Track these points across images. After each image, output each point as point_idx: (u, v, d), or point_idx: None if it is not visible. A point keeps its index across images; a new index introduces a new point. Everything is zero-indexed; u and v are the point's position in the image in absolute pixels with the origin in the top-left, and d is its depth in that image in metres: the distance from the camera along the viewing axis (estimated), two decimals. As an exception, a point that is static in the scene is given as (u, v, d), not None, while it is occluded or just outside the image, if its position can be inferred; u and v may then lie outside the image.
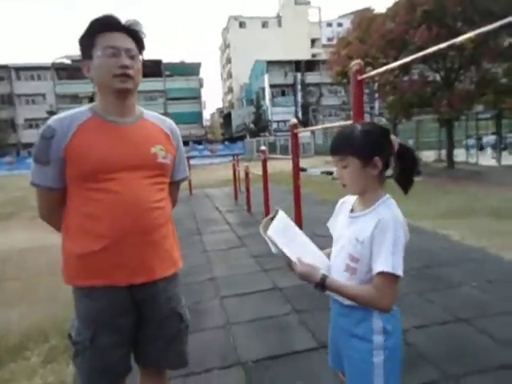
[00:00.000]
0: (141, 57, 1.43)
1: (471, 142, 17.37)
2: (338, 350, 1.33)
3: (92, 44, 1.34)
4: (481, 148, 17.44)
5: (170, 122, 1.58)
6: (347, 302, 1.22)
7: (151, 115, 1.53)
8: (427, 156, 18.43)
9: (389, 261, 1.09)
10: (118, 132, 1.38)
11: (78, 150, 1.31)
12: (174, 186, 1.63)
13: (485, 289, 3.17)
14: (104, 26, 1.35)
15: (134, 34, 1.39)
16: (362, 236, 1.16)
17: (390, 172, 1.21)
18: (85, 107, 1.42)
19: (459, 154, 15.52)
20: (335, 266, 1.26)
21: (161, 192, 1.45)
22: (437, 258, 4.02)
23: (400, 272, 1.09)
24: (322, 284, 1.16)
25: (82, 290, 1.37)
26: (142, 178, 1.38)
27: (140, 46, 1.42)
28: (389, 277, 1.10)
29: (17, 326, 3.10)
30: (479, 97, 13.49)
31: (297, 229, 1.31)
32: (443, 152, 16.36)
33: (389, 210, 1.16)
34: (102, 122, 1.37)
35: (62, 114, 1.38)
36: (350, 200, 1.32)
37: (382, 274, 1.10)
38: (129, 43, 1.37)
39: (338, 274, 1.22)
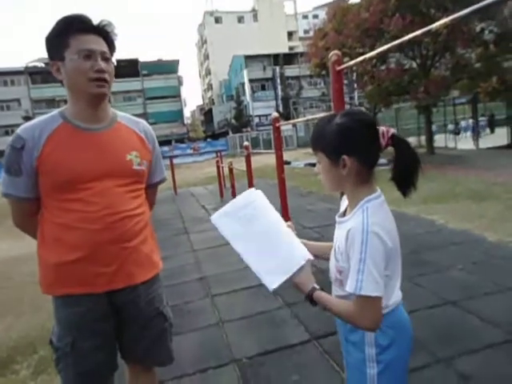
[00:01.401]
0: (113, 59, 1.40)
1: (452, 126, 17.73)
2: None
3: (64, 45, 1.28)
4: (457, 132, 17.81)
5: (143, 123, 1.55)
6: None
7: (125, 118, 1.50)
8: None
9: (353, 280, 0.97)
10: (90, 139, 1.35)
11: (51, 161, 1.28)
12: (151, 188, 1.62)
13: (470, 270, 3.24)
14: (78, 26, 1.29)
15: (106, 35, 1.35)
16: (341, 246, 1.05)
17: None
18: (55, 112, 1.37)
19: (438, 140, 15.80)
20: (330, 271, 1.16)
21: (137, 199, 1.43)
22: (423, 243, 4.09)
23: (368, 292, 0.95)
24: (311, 297, 1.08)
25: (60, 298, 1.37)
26: (117, 186, 1.36)
27: (112, 48, 1.39)
28: (359, 298, 0.97)
29: (3, 338, 3.03)
30: (455, 82, 13.75)
31: (271, 214, 1.18)
32: (423, 138, 16.62)
33: (361, 217, 1.00)
34: (73, 130, 1.33)
35: (31, 122, 1.34)
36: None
37: (353, 294, 0.99)
38: (103, 46, 1.33)
39: (333, 283, 1.15)
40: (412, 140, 18.74)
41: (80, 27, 1.30)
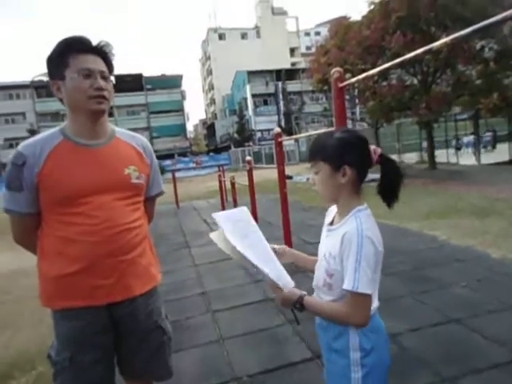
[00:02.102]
0: (112, 77, 1.44)
1: (453, 142, 17.81)
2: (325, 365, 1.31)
3: (64, 64, 1.33)
4: (459, 148, 17.86)
5: (141, 138, 1.59)
6: None
7: (123, 133, 1.53)
8: (409, 158, 18.76)
9: (351, 279, 1.06)
10: (90, 155, 1.38)
11: (51, 177, 1.31)
12: (150, 201, 1.64)
13: (474, 288, 3.21)
14: (77, 47, 1.35)
15: (104, 55, 1.41)
16: (334, 251, 1.13)
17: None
18: (56, 130, 1.41)
19: (440, 155, 15.84)
20: (316, 279, 1.24)
21: (135, 212, 1.46)
22: (426, 259, 4.06)
23: (364, 289, 1.05)
24: (301, 304, 1.15)
25: (59, 312, 1.38)
26: (116, 200, 1.38)
27: (110, 67, 1.43)
28: (355, 295, 1.06)
29: (2, 354, 3.00)
30: (456, 98, 13.85)
31: (255, 229, 1.27)
32: (425, 153, 16.68)
33: (355, 223, 1.10)
34: (73, 146, 1.37)
35: (31, 140, 1.37)
36: (334, 209, 1.28)
37: (348, 291, 1.07)
38: (101, 65, 1.38)
39: (319, 289, 1.22)
40: (413, 155, 18.82)
41: (79, 48, 1.35)
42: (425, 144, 17.69)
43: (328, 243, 1.19)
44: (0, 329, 3.54)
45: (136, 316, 1.44)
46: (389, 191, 1.16)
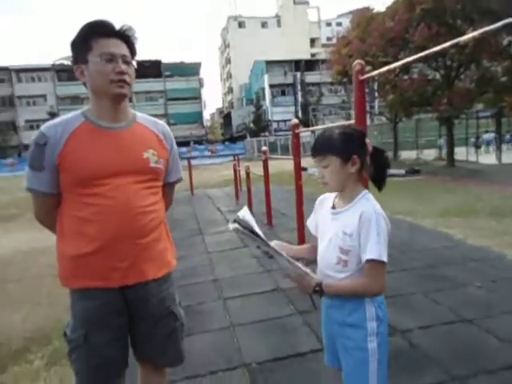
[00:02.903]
0: (134, 62, 1.44)
1: (472, 140, 17.38)
2: (332, 346, 1.38)
3: (87, 48, 1.34)
4: (479, 146, 17.41)
5: (162, 124, 1.59)
6: None
7: (144, 118, 1.54)
8: (427, 154, 18.43)
9: (375, 249, 1.18)
10: (110, 138, 1.40)
11: (71, 157, 1.33)
12: (168, 187, 1.64)
13: (489, 288, 3.16)
14: (100, 31, 1.35)
15: (127, 39, 1.41)
16: (349, 229, 1.24)
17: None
18: (77, 112, 1.43)
19: (459, 153, 15.51)
20: (325, 260, 1.32)
21: (153, 196, 1.47)
22: (440, 258, 4.01)
23: (385, 258, 1.20)
24: (320, 289, 1.25)
25: (76, 292, 1.41)
26: (135, 183, 1.40)
27: (133, 52, 1.43)
28: (377, 263, 1.19)
29: (20, 328, 3.10)
30: (479, 95, 13.49)
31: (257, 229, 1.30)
32: (443, 150, 16.36)
33: (369, 203, 1.25)
34: (94, 128, 1.38)
35: (54, 120, 1.39)
36: (329, 197, 1.41)
37: (370, 261, 1.19)
38: (124, 49, 1.38)
39: (329, 268, 1.30)
40: (432, 152, 18.47)
41: (102, 32, 1.35)
42: (442, 141, 17.36)
43: (338, 224, 1.29)
44: (18, 304, 3.66)
45: (148, 300, 1.45)
46: (380, 177, 1.32)
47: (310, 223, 1.47)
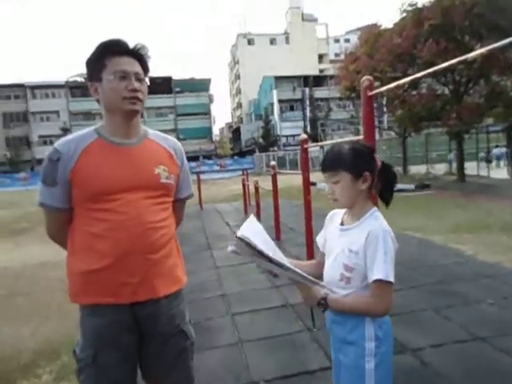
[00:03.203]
0: (146, 79, 1.48)
1: (482, 154, 17.22)
2: (337, 361, 1.37)
3: (101, 67, 1.38)
4: (490, 161, 17.24)
5: (173, 140, 1.61)
6: None
7: (155, 134, 1.56)
8: (437, 169, 18.29)
9: (382, 269, 1.17)
10: (122, 154, 1.42)
11: (84, 173, 1.35)
12: (179, 203, 1.65)
13: (502, 305, 3.10)
14: (114, 50, 1.39)
15: (140, 57, 1.44)
16: (355, 247, 1.23)
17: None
18: (90, 129, 1.45)
19: (470, 167, 15.37)
20: (329, 276, 1.32)
21: (164, 211, 1.47)
22: (451, 274, 3.95)
23: (392, 279, 1.18)
24: (325, 303, 1.25)
25: (86, 309, 1.40)
26: (146, 199, 1.41)
27: (145, 69, 1.47)
28: (384, 284, 1.18)
29: (29, 342, 3.11)
30: (489, 110, 13.43)
31: (267, 236, 1.25)
32: (454, 165, 16.23)
33: (376, 221, 1.25)
34: (107, 144, 1.41)
35: (68, 137, 1.42)
36: (338, 213, 1.40)
37: (377, 281, 1.18)
38: (137, 67, 1.42)
39: (333, 284, 1.29)
40: (442, 167, 18.33)
41: (116, 50, 1.39)
42: (452, 155, 17.24)
43: (344, 241, 1.28)
44: (27, 317, 3.68)
45: (158, 318, 1.44)
46: (387, 193, 1.32)
47: (319, 239, 1.47)
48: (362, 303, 1.23)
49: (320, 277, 1.38)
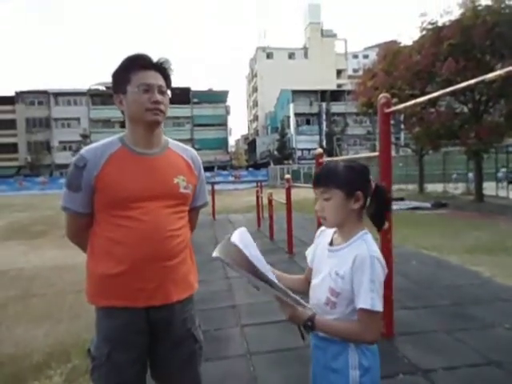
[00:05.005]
0: (168, 91, 1.54)
1: (500, 174, 16.86)
2: None
3: (127, 80, 1.45)
4: (511, 181, 16.84)
5: (191, 151, 1.67)
6: (324, 335, 1.23)
7: (175, 145, 1.62)
8: (455, 188, 17.99)
9: (367, 298, 1.12)
10: (144, 163, 1.47)
11: (109, 179, 1.40)
12: (194, 211, 1.70)
13: (518, 331, 3.01)
14: (139, 64, 1.46)
15: (163, 71, 1.51)
16: (342, 270, 1.19)
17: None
18: (115, 138, 1.52)
19: (489, 187, 15.07)
20: (315, 298, 1.28)
21: (180, 220, 1.52)
22: (466, 296, 3.86)
23: (378, 308, 1.13)
24: (312, 324, 1.18)
25: (102, 310, 1.45)
26: (164, 207, 1.46)
27: (168, 82, 1.53)
28: (370, 313, 1.13)
29: (41, 343, 3.16)
30: (509, 129, 13.22)
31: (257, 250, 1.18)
32: (472, 184, 15.94)
33: (365, 245, 1.19)
34: (130, 154, 1.47)
35: (94, 145, 1.49)
36: (329, 230, 1.34)
37: (363, 310, 1.14)
38: (160, 80, 1.48)
39: (318, 307, 1.24)
40: (460, 186, 18.02)
41: (141, 64, 1.46)
42: (471, 175, 16.94)
43: (332, 263, 1.24)
44: (41, 318, 3.74)
45: (171, 322, 1.48)
46: (380, 216, 1.27)
47: (309, 253, 1.42)
48: (351, 329, 1.17)
49: (306, 293, 1.34)
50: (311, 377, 1.36)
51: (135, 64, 1.46)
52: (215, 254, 1.16)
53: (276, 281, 1.16)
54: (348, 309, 1.19)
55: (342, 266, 1.19)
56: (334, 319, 1.21)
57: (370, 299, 1.12)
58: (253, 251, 1.14)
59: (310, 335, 1.29)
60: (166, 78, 1.52)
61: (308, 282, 1.36)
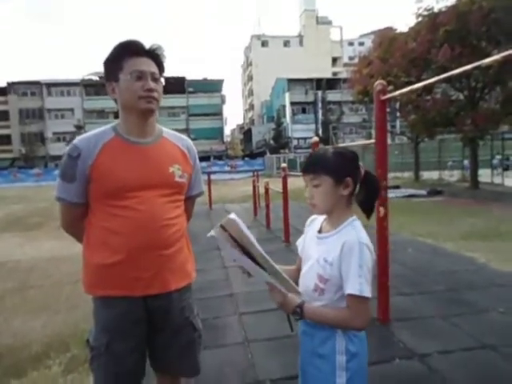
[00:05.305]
0: (162, 79, 1.51)
1: (495, 161, 16.94)
2: (303, 374, 1.32)
3: (119, 67, 1.41)
4: (506, 168, 16.92)
5: (187, 139, 1.65)
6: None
7: (170, 134, 1.60)
8: (451, 175, 18.07)
9: (356, 284, 1.12)
10: (138, 152, 1.45)
11: (102, 170, 1.38)
12: (190, 200, 1.69)
13: (512, 315, 3.05)
14: (131, 51, 1.42)
15: (156, 58, 1.47)
16: (330, 257, 1.18)
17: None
18: (108, 127, 1.49)
19: (484, 174, 15.15)
20: (304, 285, 1.27)
21: (176, 209, 1.51)
22: (461, 281, 3.91)
23: (367, 294, 1.13)
24: (301, 311, 1.18)
25: (100, 300, 1.45)
26: (160, 196, 1.44)
27: (161, 69, 1.50)
28: (358, 299, 1.13)
29: (40, 334, 3.17)
30: (505, 116, 13.23)
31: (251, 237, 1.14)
32: (467, 171, 16.01)
33: (354, 231, 1.18)
34: (124, 143, 1.45)
35: (87, 134, 1.47)
36: (319, 219, 1.34)
37: (351, 295, 1.13)
38: (153, 67, 1.45)
39: (307, 294, 1.24)
40: (455, 173, 18.10)
41: (133, 51, 1.42)
42: (466, 162, 17.02)
43: (321, 249, 1.24)
44: (39, 310, 3.75)
45: (169, 311, 1.48)
46: (370, 203, 1.26)
47: (299, 243, 1.42)
48: (339, 316, 1.17)
49: (297, 284, 1.33)
50: (299, 363, 1.36)
51: (127, 50, 1.42)
52: (211, 233, 1.13)
53: (269, 258, 1.13)
54: (336, 295, 1.19)
55: (330, 252, 1.19)
56: (322, 306, 1.21)
57: (359, 284, 1.11)
58: (248, 232, 1.13)
59: (300, 322, 1.29)
60: (159, 64, 1.48)
61: (299, 271, 1.36)
